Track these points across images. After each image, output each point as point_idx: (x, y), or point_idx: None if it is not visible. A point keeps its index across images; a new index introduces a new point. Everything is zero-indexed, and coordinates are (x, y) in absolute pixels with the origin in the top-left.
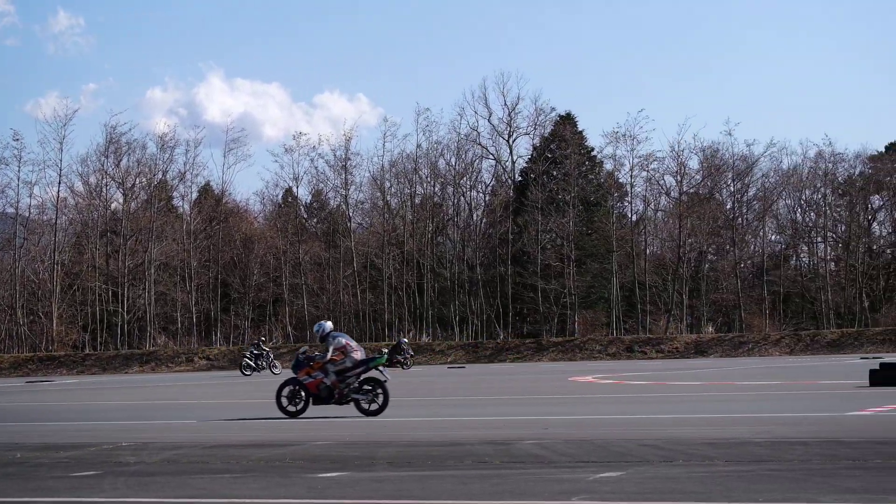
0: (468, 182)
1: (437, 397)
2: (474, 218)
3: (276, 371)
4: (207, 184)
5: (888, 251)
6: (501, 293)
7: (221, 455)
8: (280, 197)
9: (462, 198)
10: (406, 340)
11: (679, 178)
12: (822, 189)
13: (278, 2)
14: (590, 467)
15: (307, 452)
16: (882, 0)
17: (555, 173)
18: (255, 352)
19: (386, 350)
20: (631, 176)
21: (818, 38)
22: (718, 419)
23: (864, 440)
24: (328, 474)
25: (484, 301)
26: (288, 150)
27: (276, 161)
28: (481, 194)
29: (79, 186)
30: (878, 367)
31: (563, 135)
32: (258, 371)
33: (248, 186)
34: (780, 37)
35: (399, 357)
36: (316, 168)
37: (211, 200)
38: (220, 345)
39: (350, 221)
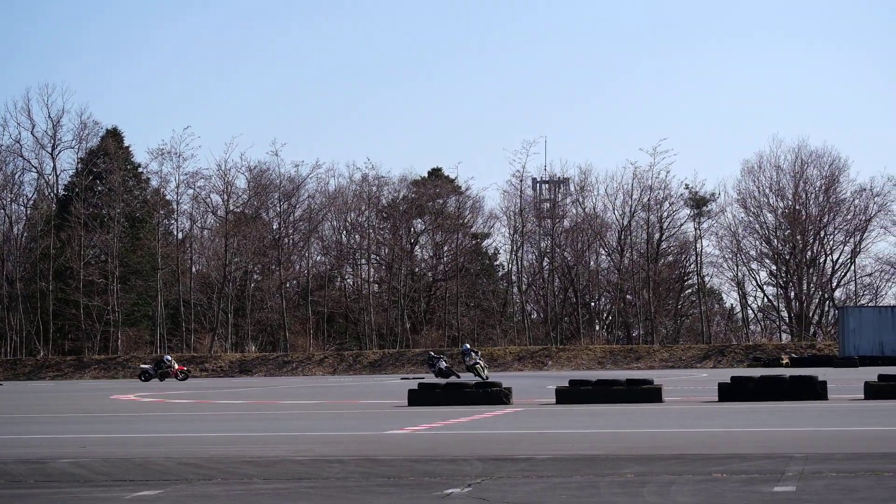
0: (9, 195)
1: None
2: (15, 232)
3: None
4: None
5: (429, 274)
6: (42, 309)
7: None
8: None
9: (3, 210)
10: None
11: (226, 196)
12: (367, 212)
13: None
14: (127, 486)
15: None
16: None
17: (100, 188)
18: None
19: None
20: (177, 193)
21: (363, 67)
22: (260, 438)
23: (399, 458)
24: None
25: (24, 317)
26: None
27: None
28: (23, 207)
29: None
30: (416, 387)
31: (108, 150)
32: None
33: None
34: (325, 62)
35: None
36: None
37: None
38: None
39: None
